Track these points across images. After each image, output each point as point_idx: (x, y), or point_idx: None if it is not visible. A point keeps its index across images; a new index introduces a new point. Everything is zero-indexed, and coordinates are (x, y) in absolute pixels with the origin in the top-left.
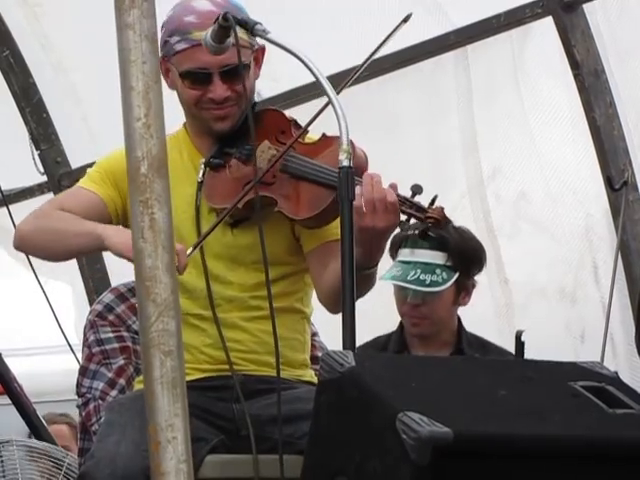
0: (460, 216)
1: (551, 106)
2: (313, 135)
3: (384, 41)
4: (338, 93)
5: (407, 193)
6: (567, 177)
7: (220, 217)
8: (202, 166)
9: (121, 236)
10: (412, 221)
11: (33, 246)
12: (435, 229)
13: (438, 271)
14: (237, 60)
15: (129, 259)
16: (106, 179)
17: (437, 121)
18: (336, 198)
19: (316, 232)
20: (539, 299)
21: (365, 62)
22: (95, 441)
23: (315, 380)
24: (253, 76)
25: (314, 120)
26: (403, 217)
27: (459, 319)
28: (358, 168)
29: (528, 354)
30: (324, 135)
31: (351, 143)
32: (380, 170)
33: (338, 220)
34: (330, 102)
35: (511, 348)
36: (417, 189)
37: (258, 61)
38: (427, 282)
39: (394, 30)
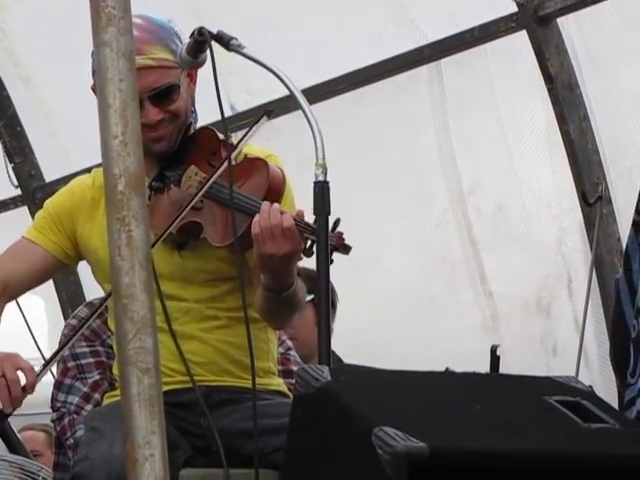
0: (445, 231)
1: (527, 120)
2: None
3: (245, 135)
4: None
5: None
6: (542, 191)
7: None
8: (147, 190)
9: None
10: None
11: None
12: (341, 253)
13: None
14: (167, 82)
15: None
16: (51, 224)
17: (414, 135)
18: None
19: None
20: (520, 312)
21: (220, 165)
22: (83, 445)
23: (283, 389)
24: (187, 93)
25: (240, 143)
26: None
27: None
28: (274, 189)
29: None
30: (247, 157)
31: (265, 163)
32: (357, 183)
33: None
34: (305, 116)
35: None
36: None
37: (192, 77)
38: None
39: (255, 124)
